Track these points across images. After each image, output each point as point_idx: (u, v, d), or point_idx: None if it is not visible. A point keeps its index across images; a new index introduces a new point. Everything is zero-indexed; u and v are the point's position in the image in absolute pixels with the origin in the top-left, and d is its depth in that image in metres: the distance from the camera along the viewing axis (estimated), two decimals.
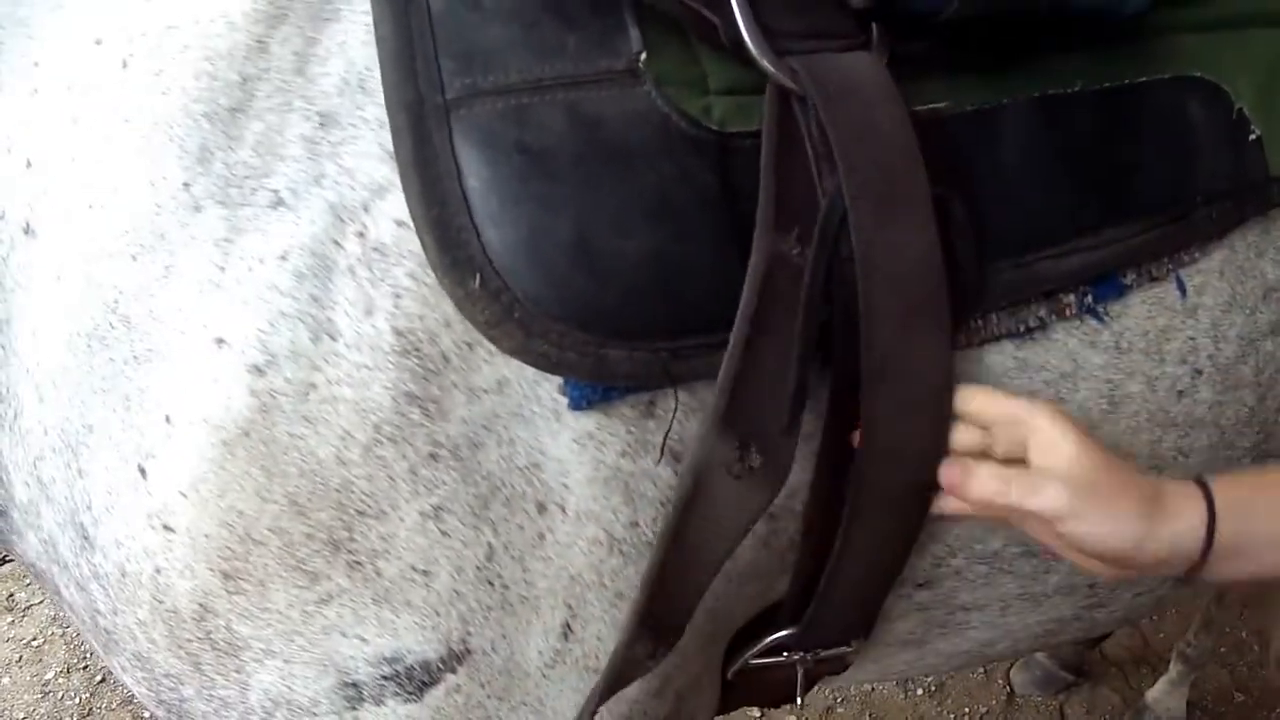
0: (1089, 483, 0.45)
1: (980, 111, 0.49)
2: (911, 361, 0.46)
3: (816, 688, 0.61)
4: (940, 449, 0.48)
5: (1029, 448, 0.46)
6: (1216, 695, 1.46)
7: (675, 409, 0.47)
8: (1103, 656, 1.51)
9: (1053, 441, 0.45)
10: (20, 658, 1.50)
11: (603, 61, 0.46)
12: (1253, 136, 0.55)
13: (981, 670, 1.50)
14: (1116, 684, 1.49)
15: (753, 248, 0.44)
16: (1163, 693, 1.38)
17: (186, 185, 0.46)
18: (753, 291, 0.44)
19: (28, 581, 1.58)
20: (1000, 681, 1.49)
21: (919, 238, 0.45)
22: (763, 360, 0.44)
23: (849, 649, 0.56)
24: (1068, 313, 0.51)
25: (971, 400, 0.47)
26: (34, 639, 1.52)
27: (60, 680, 1.47)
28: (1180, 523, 0.46)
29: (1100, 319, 0.52)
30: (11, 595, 1.58)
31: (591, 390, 0.45)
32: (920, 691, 1.48)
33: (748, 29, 0.45)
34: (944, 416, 0.48)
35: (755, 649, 0.55)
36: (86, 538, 0.49)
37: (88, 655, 1.49)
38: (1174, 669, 1.36)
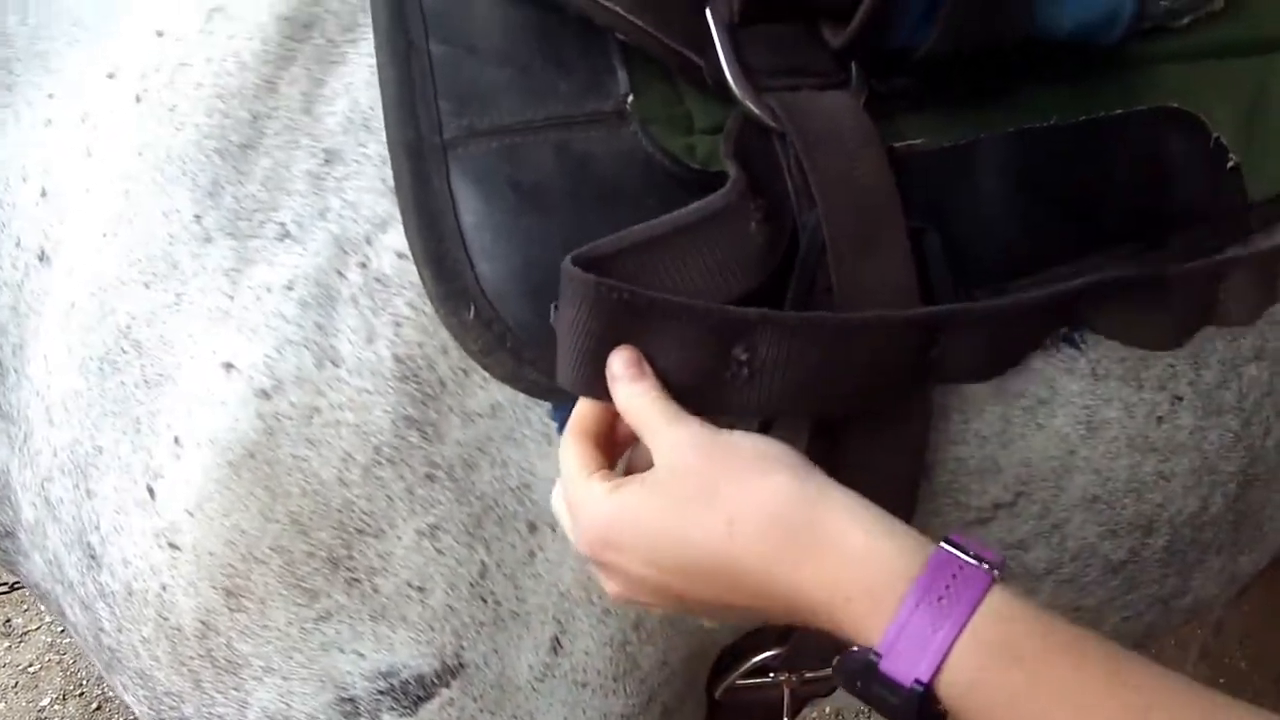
0: None
1: (956, 147, 0.51)
2: (890, 389, 0.48)
3: (809, 708, 0.62)
4: (920, 472, 0.50)
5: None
6: None
7: None
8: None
9: None
10: (16, 684, 1.50)
11: (592, 103, 0.48)
12: (1230, 164, 0.56)
13: None
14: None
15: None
16: None
17: (198, 217, 0.48)
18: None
19: (25, 607, 1.58)
20: None
21: (896, 272, 0.47)
22: None
23: None
24: (1045, 342, 0.53)
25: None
26: (30, 665, 1.52)
27: (56, 707, 1.47)
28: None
29: (1077, 346, 0.54)
30: (8, 620, 1.58)
31: None
32: None
33: (729, 68, 0.48)
34: (923, 443, 0.49)
35: (741, 670, 0.56)
36: (94, 557, 0.51)
37: (84, 682, 1.49)
38: None
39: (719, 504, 0.38)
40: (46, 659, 1.53)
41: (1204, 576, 0.65)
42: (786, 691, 0.57)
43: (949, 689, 0.34)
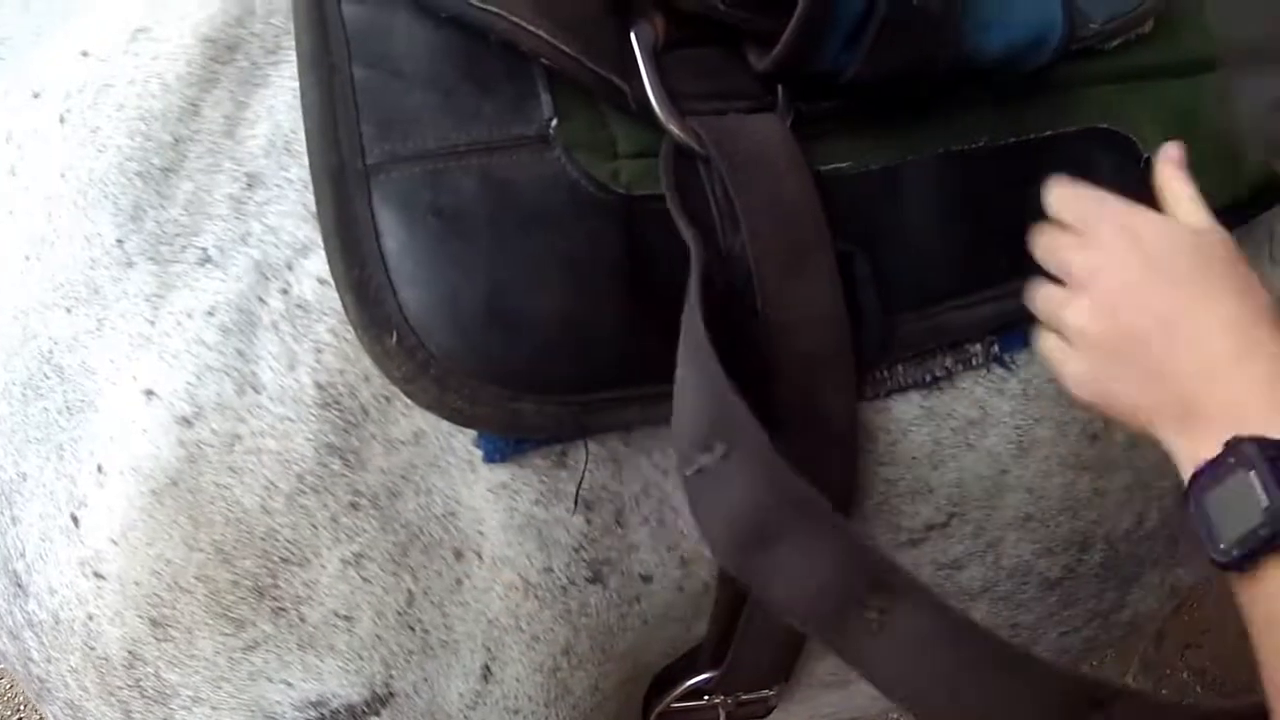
0: None
1: (884, 169, 0.51)
2: (818, 412, 0.48)
3: None
4: (850, 495, 0.50)
5: None
6: None
7: (586, 460, 0.48)
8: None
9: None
10: None
11: (515, 128, 0.48)
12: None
13: None
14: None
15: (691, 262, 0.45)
16: None
17: (120, 241, 0.48)
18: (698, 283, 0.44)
19: None
20: None
21: (823, 295, 0.47)
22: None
23: (770, 692, 0.57)
24: (974, 362, 0.53)
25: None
26: None
27: None
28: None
29: (1007, 367, 0.54)
30: None
31: (504, 443, 0.47)
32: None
33: (654, 92, 0.47)
34: (852, 465, 0.49)
35: (676, 692, 0.57)
36: (20, 585, 0.50)
37: (21, 706, 1.47)
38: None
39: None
40: None
41: (1142, 590, 0.65)
42: (722, 714, 0.57)
43: None
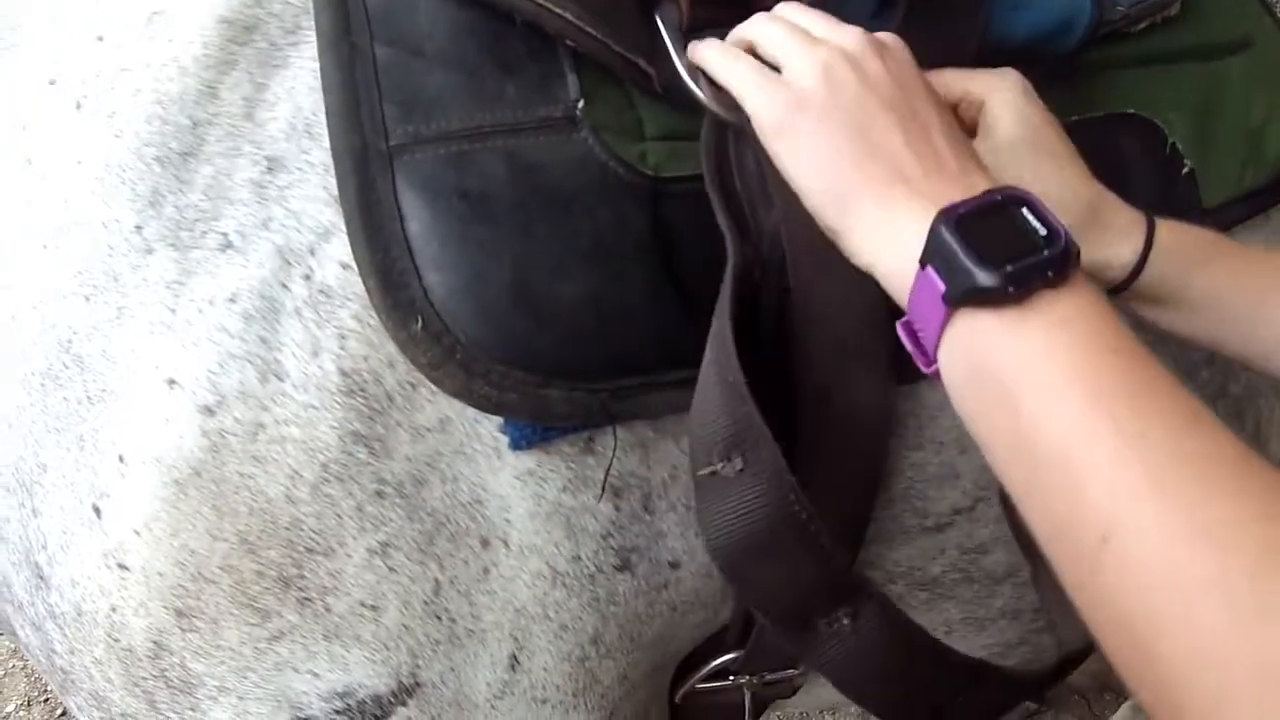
0: (1017, 162, 0.45)
1: None
2: (849, 396, 0.47)
3: (770, 711, 0.62)
4: (877, 482, 0.49)
5: (979, 124, 0.46)
6: None
7: (615, 446, 0.48)
8: (1065, 684, 1.51)
9: (994, 113, 0.45)
10: None
11: (541, 109, 0.47)
12: (1185, 170, 0.56)
13: None
14: (1080, 711, 1.47)
15: (728, 248, 0.45)
16: (1125, 718, 1.38)
17: (139, 228, 0.47)
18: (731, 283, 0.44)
19: None
20: None
21: (856, 279, 0.46)
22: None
23: (796, 672, 0.57)
24: None
25: (938, 77, 0.46)
26: None
27: (21, 713, 1.45)
28: (1111, 231, 0.45)
29: None
30: None
31: (531, 430, 0.46)
32: None
33: (685, 70, 0.46)
34: (882, 451, 0.49)
35: (701, 673, 0.56)
36: (42, 577, 0.50)
37: (48, 689, 1.47)
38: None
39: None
40: (10, 665, 1.51)
41: None
42: (747, 694, 0.57)
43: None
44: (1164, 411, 0.31)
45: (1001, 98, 0.46)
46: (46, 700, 1.47)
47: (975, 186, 0.38)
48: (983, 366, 0.35)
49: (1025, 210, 0.35)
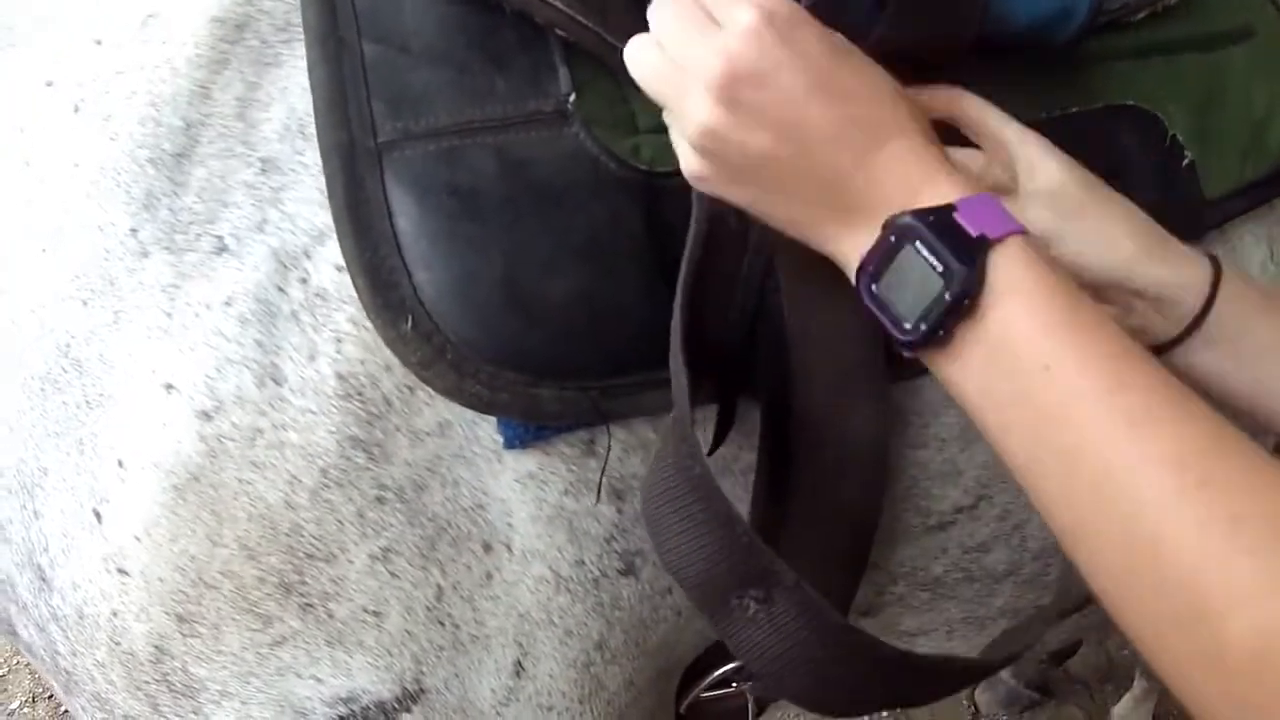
0: (1077, 203, 0.44)
1: None
2: (847, 421, 0.46)
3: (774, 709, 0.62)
4: (878, 507, 0.49)
5: (1017, 172, 0.45)
6: (1181, 710, 1.44)
7: (609, 447, 0.47)
8: (1067, 674, 1.50)
9: (1036, 161, 0.44)
10: None
11: (532, 103, 0.46)
12: (1185, 161, 0.55)
13: None
14: (1082, 701, 1.48)
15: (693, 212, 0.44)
16: (1128, 709, 1.38)
17: (133, 231, 0.47)
18: (695, 246, 0.44)
19: None
20: (965, 702, 1.48)
21: (848, 307, 0.45)
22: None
23: None
24: None
25: (970, 107, 0.46)
26: None
27: (25, 710, 1.46)
28: (1179, 274, 0.43)
29: None
30: None
31: (524, 429, 0.46)
32: (885, 714, 1.47)
33: None
34: (880, 473, 0.48)
35: (707, 682, 0.56)
36: (44, 579, 0.50)
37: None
38: (1138, 685, 1.36)
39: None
40: (14, 662, 1.52)
41: None
42: (750, 699, 0.57)
43: (1008, 264, 0.35)
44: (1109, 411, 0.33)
45: (1036, 143, 0.45)
46: (50, 696, 1.48)
47: (875, 215, 0.38)
48: (959, 397, 0.37)
49: (919, 246, 0.35)
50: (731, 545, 0.40)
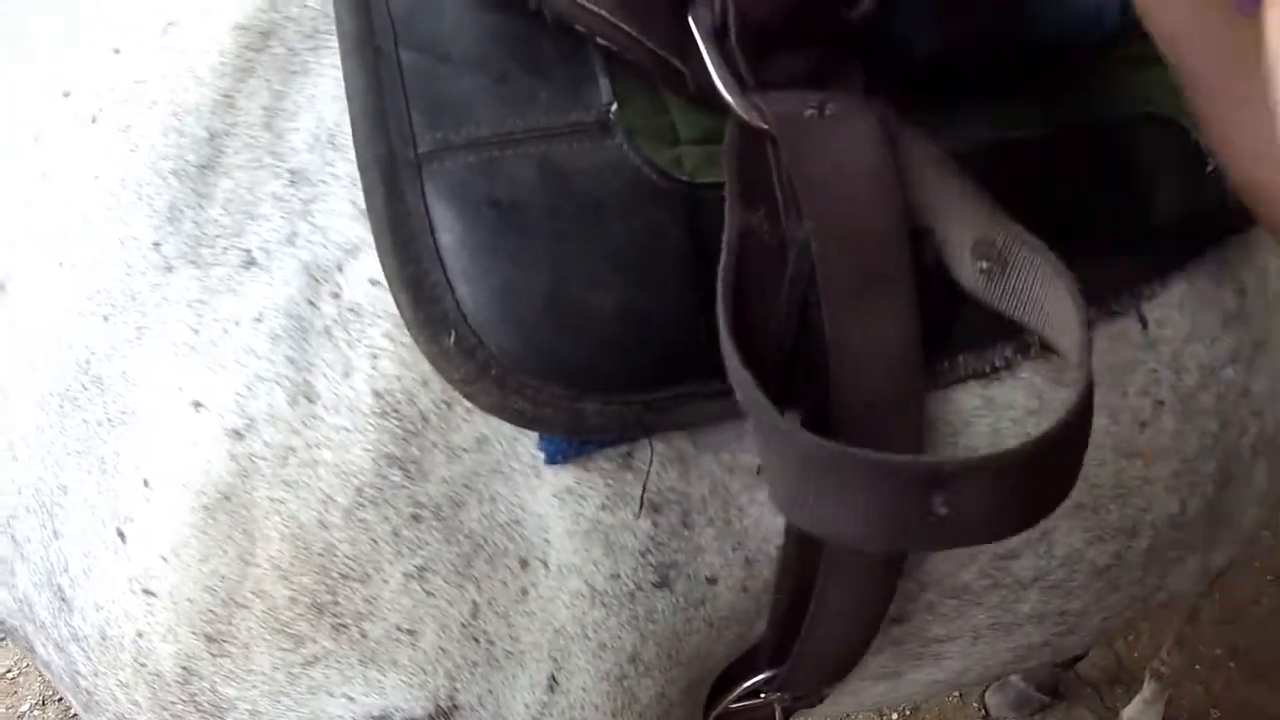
0: None
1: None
2: (881, 437, 0.46)
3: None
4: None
5: None
6: (1192, 713, 1.46)
7: (651, 460, 0.47)
8: (1077, 677, 1.52)
9: None
10: None
11: (573, 113, 0.46)
12: (1209, 168, 0.56)
13: (956, 693, 1.50)
14: (1092, 704, 1.50)
15: (725, 221, 0.44)
16: (1138, 711, 1.39)
17: (157, 245, 0.46)
18: (730, 257, 0.43)
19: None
20: (975, 704, 1.50)
21: (895, 325, 0.45)
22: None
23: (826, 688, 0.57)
24: (1032, 352, 0.52)
25: None
26: (8, 671, 1.49)
27: (36, 712, 1.45)
28: None
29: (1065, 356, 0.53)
30: None
31: (567, 445, 0.45)
32: (895, 716, 1.49)
33: (714, 67, 0.45)
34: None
35: (736, 693, 0.56)
36: (64, 599, 0.48)
37: None
38: (1148, 688, 1.37)
39: None
40: (24, 665, 1.50)
41: (1180, 574, 0.66)
42: (778, 710, 0.57)
43: None
44: None
45: None
46: (61, 699, 1.46)
47: None
48: None
49: None
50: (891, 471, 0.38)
